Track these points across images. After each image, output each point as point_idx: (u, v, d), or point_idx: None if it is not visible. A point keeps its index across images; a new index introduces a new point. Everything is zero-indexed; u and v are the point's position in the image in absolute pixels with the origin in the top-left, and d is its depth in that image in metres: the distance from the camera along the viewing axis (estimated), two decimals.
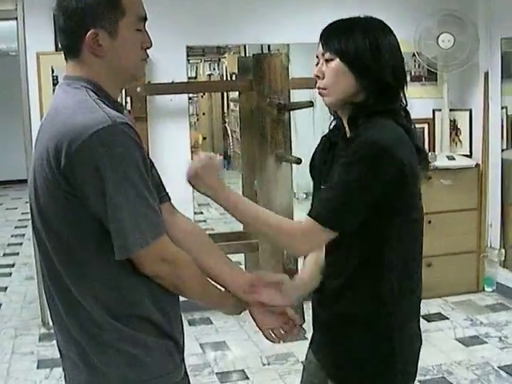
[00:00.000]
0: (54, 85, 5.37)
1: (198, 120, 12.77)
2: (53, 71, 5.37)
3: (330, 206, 2.11)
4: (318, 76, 2.23)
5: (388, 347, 2.21)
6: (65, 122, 1.85)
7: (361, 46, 2.15)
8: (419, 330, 2.32)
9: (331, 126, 2.39)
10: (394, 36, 2.26)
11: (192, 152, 5.84)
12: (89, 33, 1.92)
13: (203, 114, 12.84)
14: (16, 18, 5.35)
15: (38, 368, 4.87)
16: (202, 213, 9.56)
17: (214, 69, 12.33)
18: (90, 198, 1.84)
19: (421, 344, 2.32)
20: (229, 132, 12.34)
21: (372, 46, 2.15)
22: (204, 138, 12.82)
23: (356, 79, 2.16)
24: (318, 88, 2.24)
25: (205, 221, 9.21)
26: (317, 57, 2.24)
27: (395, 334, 2.21)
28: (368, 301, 2.21)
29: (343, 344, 2.28)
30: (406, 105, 2.26)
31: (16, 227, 9.47)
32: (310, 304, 2.42)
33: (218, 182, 2.21)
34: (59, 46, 5.20)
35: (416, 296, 2.30)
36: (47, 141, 1.88)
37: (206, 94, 12.78)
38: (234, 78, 11.18)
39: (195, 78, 12.60)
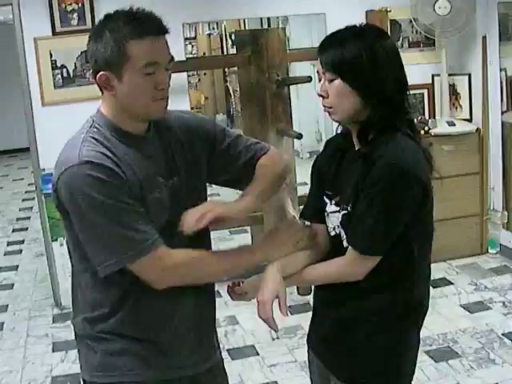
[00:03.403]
0: (53, 69, 5.42)
1: (199, 80, 12.72)
2: (51, 55, 5.39)
3: (370, 236, 2.19)
4: (321, 95, 2.24)
5: (397, 350, 2.34)
6: (58, 158, 2.14)
7: (358, 60, 2.15)
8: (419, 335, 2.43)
9: (338, 131, 2.43)
10: (391, 40, 2.28)
11: None
12: (99, 74, 2.11)
13: (204, 73, 12.76)
14: (11, 4, 5.34)
15: (53, 351, 4.98)
16: None
17: (213, 28, 12.27)
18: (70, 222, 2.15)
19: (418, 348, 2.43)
20: (231, 91, 12.30)
21: (369, 57, 2.15)
22: (206, 98, 12.80)
23: (360, 97, 2.18)
24: (324, 106, 2.25)
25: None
26: (317, 73, 2.25)
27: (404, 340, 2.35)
28: (382, 306, 2.30)
29: (354, 344, 2.35)
30: (410, 113, 2.31)
31: (23, 200, 9.56)
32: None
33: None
34: (56, 29, 5.22)
35: (425, 307, 2.41)
36: None
37: (207, 52, 12.74)
38: (233, 37, 11.14)
39: (194, 38, 12.56)
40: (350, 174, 2.28)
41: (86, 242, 2.11)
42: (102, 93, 2.17)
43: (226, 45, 12.00)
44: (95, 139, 2.11)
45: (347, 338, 2.36)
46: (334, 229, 2.33)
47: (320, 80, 2.25)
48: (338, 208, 2.30)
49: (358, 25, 2.25)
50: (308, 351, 2.59)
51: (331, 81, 2.20)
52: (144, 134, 2.22)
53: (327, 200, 2.37)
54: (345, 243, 2.28)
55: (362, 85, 2.17)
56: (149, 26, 2.08)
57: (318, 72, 2.25)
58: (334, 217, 2.33)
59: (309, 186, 2.53)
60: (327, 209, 2.37)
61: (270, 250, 2.30)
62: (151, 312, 2.23)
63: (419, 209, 2.21)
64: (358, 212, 2.21)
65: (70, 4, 5.32)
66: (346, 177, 2.30)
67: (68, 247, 2.27)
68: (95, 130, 2.14)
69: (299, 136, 5.15)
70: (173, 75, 2.20)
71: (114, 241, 2.06)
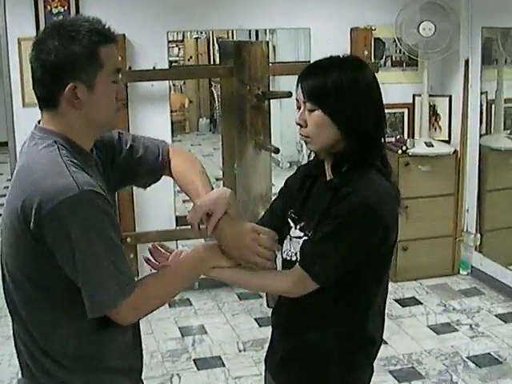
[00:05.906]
0: None
1: (184, 83, 12.73)
2: None
3: (322, 263, 2.17)
4: (300, 124, 2.22)
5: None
6: (35, 183, 1.89)
7: (339, 89, 2.16)
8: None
9: (311, 158, 2.43)
10: (372, 72, 2.29)
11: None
12: (67, 86, 1.94)
13: None
14: None
15: None
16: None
17: (201, 32, 12.27)
18: (59, 259, 1.91)
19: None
20: (215, 95, 12.32)
21: (350, 87, 2.17)
22: (190, 102, 12.81)
23: (338, 129, 2.18)
24: (301, 135, 2.24)
25: None
26: (297, 100, 2.24)
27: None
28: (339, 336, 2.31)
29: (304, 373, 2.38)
30: (384, 149, 2.33)
31: (1, 196, 9.36)
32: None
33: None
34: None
35: (379, 342, 2.43)
36: (18, 197, 1.92)
37: (193, 56, 12.78)
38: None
39: (182, 41, 12.60)
40: (318, 203, 2.29)
41: (84, 275, 1.91)
42: (52, 109, 2.01)
43: (213, 49, 12.04)
44: (74, 163, 1.94)
45: (299, 366, 2.38)
46: (296, 254, 2.31)
47: (299, 108, 2.24)
48: (302, 234, 2.31)
49: (340, 55, 2.27)
50: (265, 371, 2.60)
51: (311, 111, 2.19)
52: (90, 150, 2.13)
53: (292, 224, 2.38)
54: None
55: (341, 117, 2.18)
56: (108, 31, 2.02)
57: (297, 100, 2.25)
58: (296, 242, 2.33)
59: None
60: (291, 233, 2.37)
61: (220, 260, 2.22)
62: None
63: (379, 249, 2.22)
64: (316, 237, 2.22)
65: (56, 7, 5.32)
66: (314, 205, 2.31)
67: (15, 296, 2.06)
68: (64, 152, 1.96)
69: (276, 150, 5.18)
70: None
71: (114, 277, 1.94)
